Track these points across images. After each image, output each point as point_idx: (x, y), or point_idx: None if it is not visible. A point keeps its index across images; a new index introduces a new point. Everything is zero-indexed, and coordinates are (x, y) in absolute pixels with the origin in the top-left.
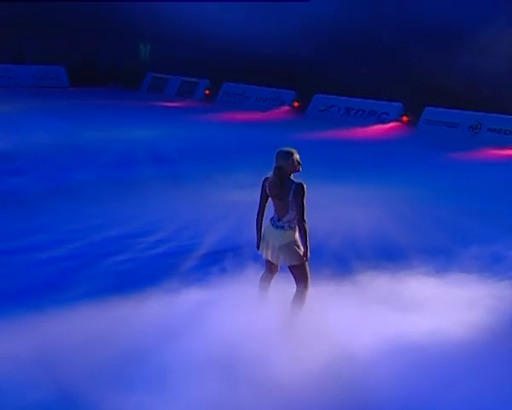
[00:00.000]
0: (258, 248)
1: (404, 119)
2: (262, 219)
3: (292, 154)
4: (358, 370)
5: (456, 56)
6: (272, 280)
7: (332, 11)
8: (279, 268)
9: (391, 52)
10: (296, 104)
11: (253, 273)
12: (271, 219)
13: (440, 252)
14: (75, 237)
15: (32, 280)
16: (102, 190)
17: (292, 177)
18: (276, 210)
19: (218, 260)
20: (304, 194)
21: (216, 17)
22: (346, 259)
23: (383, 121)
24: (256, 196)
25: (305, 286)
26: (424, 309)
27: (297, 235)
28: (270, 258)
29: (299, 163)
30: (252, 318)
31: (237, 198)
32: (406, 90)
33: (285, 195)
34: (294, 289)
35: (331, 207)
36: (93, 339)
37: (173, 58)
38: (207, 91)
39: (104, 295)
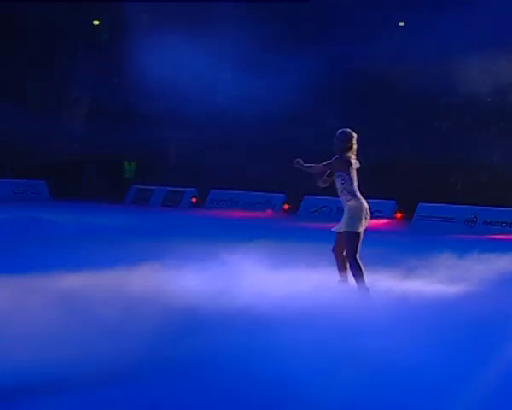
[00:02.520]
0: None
1: (398, 215)
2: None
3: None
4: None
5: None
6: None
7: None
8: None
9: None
10: (286, 207)
11: None
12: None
13: None
14: None
15: None
16: None
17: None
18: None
19: None
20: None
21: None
22: None
23: (376, 218)
24: None
25: None
26: None
27: None
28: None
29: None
30: None
31: None
32: (399, 188)
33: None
34: None
35: None
36: None
37: (158, 170)
38: (194, 199)
39: None
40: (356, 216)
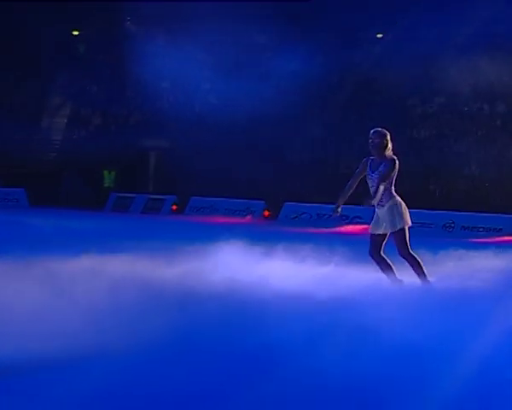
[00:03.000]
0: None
1: None
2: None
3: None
4: None
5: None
6: None
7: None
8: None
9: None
10: (266, 213)
11: None
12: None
13: None
14: None
15: None
16: None
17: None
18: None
19: None
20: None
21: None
22: None
23: (356, 224)
24: None
25: None
26: None
27: None
28: None
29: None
30: None
31: None
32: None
33: None
34: None
35: None
36: None
37: (139, 178)
38: (174, 207)
39: None
40: (405, 210)
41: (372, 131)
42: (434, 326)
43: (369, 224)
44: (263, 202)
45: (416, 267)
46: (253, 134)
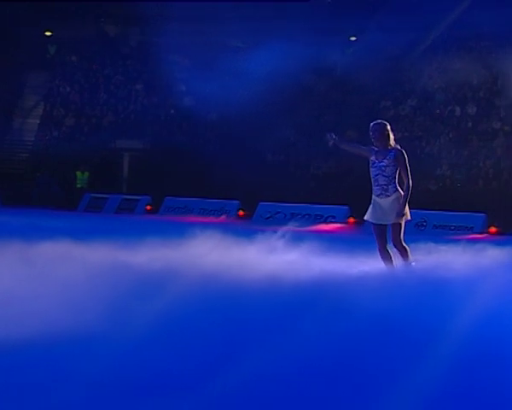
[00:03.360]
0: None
1: (351, 220)
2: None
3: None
4: None
5: None
6: None
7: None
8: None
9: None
10: (241, 213)
11: None
12: None
13: None
14: None
15: None
16: None
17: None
18: None
19: None
20: None
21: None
22: None
23: (330, 223)
24: None
25: None
26: None
27: None
28: None
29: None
30: None
31: None
32: (352, 195)
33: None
34: None
35: None
36: None
37: (112, 179)
38: (148, 207)
39: None
40: (407, 204)
41: (372, 124)
42: (410, 303)
43: (342, 223)
44: (237, 202)
45: (405, 257)
46: (227, 135)
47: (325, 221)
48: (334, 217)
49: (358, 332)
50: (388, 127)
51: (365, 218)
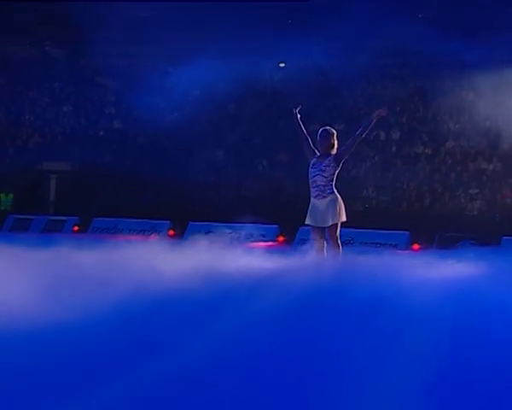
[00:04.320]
0: None
1: (280, 239)
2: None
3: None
4: None
5: None
6: None
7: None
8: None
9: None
10: (171, 233)
11: None
12: None
13: None
14: None
15: None
16: None
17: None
18: None
19: None
20: None
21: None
22: None
23: (260, 242)
24: None
25: None
26: None
27: None
28: None
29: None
30: None
31: None
32: (281, 214)
33: None
34: None
35: None
36: None
37: (39, 201)
38: (76, 228)
39: None
40: (343, 206)
41: (321, 130)
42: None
43: (272, 241)
44: (168, 221)
45: (337, 254)
46: (157, 157)
47: (256, 240)
48: (264, 235)
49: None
50: (335, 136)
51: (306, 222)
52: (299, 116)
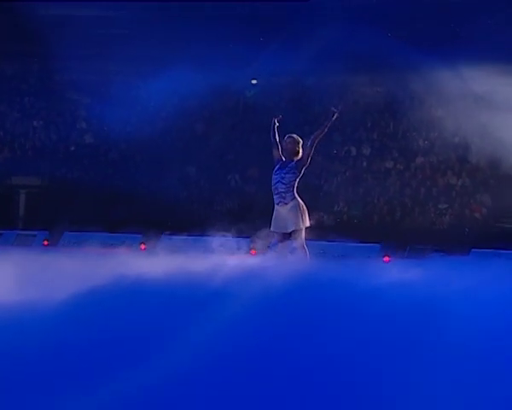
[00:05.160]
0: None
1: (253, 252)
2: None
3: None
4: None
5: None
6: None
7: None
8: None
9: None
10: (143, 247)
11: None
12: None
13: None
14: None
15: None
16: None
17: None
18: None
19: None
20: None
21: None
22: None
23: (234, 253)
24: None
25: None
26: None
27: None
28: None
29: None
30: None
31: None
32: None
33: None
34: None
35: None
36: None
37: (7, 216)
38: (46, 242)
39: None
40: (305, 211)
41: (287, 136)
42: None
43: (244, 254)
44: (140, 235)
45: (304, 259)
46: (128, 171)
47: (229, 252)
48: (237, 248)
49: None
50: (301, 144)
51: (270, 229)
52: (277, 125)
